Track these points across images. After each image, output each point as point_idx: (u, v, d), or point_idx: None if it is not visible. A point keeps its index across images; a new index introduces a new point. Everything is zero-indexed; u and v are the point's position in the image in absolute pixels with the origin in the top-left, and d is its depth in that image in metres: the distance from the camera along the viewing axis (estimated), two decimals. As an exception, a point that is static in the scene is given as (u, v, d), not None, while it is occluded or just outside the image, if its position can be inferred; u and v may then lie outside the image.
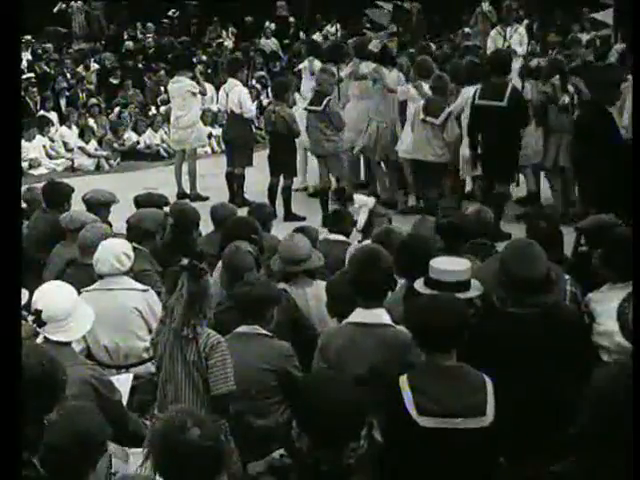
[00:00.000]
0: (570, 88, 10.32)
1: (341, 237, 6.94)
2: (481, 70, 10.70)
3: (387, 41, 12.56)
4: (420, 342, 4.00)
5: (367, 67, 11.70)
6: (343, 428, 3.13)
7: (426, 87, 10.76)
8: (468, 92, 10.24)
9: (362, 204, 6.98)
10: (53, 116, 16.00)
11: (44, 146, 15.08)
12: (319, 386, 3.31)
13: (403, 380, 3.83)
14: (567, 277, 5.14)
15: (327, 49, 13.14)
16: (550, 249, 4.90)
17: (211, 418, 3.75)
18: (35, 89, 16.75)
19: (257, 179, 11.90)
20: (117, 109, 16.91)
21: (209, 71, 18.77)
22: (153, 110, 17.16)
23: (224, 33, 23.43)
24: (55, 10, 23.17)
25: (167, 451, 3.02)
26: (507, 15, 13.65)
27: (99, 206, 7.47)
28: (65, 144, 15.30)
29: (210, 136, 15.40)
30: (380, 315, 4.50)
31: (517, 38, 13.08)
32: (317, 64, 12.48)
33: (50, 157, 15.12)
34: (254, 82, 17.84)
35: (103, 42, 22.51)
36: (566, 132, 10.14)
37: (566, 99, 10.27)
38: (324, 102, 10.71)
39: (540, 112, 10.39)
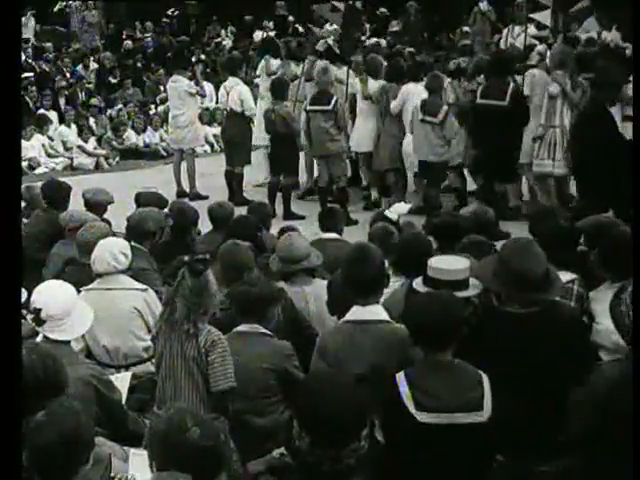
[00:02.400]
0: None
1: (334, 235, 6.93)
2: (425, 68, 11.27)
3: (335, 39, 12.85)
4: (417, 339, 4.01)
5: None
6: (344, 428, 3.13)
7: (374, 84, 11.16)
8: (408, 89, 10.86)
9: (398, 212, 7.06)
10: (52, 115, 16.01)
11: (43, 145, 15.08)
12: (321, 385, 3.31)
13: (400, 377, 3.85)
14: (574, 277, 5.14)
15: (283, 47, 13.30)
16: (562, 249, 4.96)
17: (211, 417, 3.76)
18: (34, 88, 16.76)
19: (257, 178, 11.91)
20: (118, 107, 16.91)
21: (208, 70, 18.79)
22: (153, 109, 17.15)
23: (223, 32, 23.43)
24: (55, 9, 23.17)
25: (167, 451, 3.02)
26: (517, 14, 13.55)
27: (98, 204, 7.48)
28: (64, 143, 15.30)
29: (213, 145, 15.45)
30: (377, 312, 4.49)
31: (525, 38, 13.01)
32: (274, 63, 12.57)
33: (49, 156, 15.12)
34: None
35: (102, 41, 22.51)
36: None
37: None
38: (333, 101, 10.73)
39: (464, 112, 10.58)
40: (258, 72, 13.27)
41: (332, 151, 10.85)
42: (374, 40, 14.65)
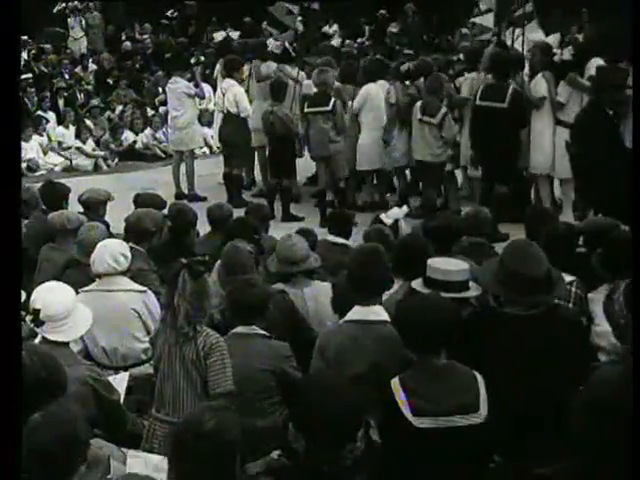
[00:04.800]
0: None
1: (340, 239, 6.94)
2: (385, 69, 11.47)
3: (290, 41, 13.13)
4: (409, 343, 4.01)
5: (268, 67, 12.22)
6: (339, 429, 3.13)
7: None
8: (369, 89, 11.04)
9: (395, 216, 7.09)
10: (51, 116, 16.00)
11: (40, 145, 15.06)
12: (316, 387, 3.31)
13: (396, 383, 3.85)
14: (573, 279, 5.15)
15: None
16: (560, 251, 4.96)
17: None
18: (33, 89, 16.76)
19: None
20: (120, 107, 16.91)
21: (207, 72, 18.76)
22: (151, 111, 17.12)
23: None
24: (55, 10, 23.15)
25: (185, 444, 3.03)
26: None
27: (96, 204, 7.48)
28: (60, 143, 15.27)
29: (212, 147, 15.45)
30: (378, 312, 4.51)
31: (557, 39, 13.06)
32: (264, 67, 12.65)
33: (45, 153, 15.07)
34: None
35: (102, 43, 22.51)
36: None
37: None
38: (331, 103, 10.72)
39: (405, 114, 10.74)
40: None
41: (331, 152, 10.84)
42: (331, 41, 14.85)
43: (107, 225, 7.03)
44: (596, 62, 9.81)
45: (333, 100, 10.77)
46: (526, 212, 6.66)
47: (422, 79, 10.81)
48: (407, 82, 10.98)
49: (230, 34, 18.34)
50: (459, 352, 4.00)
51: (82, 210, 7.54)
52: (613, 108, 8.73)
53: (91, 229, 6.22)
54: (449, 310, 4.03)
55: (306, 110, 10.97)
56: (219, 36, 19.33)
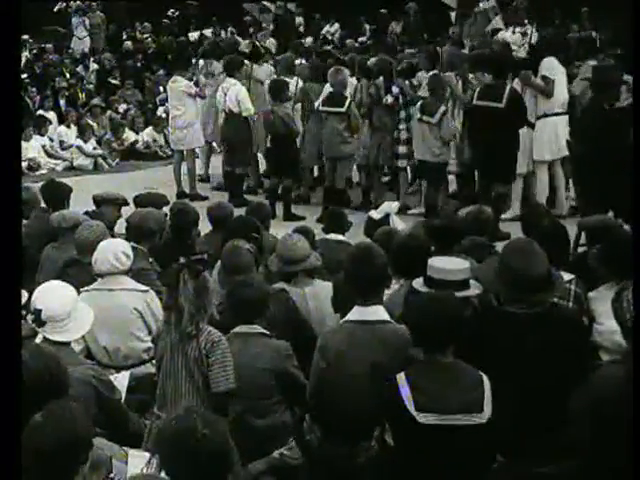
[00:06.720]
0: (394, 89, 10.86)
1: (340, 237, 6.97)
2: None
3: (264, 39, 13.39)
4: (417, 340, 4.02)
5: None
6: (356, 425, 3.13)
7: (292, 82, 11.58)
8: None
9: (387, 210, 7.08)
10: (52, 116, 16.00)
11: (43, 145, 15.06)
12: (338, 381, 3.31)
13: (401, 378, 3.85)
14: (572, 277, 5.14)
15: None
16: (557, 248, 4.95)
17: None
18: (34, 89, 16.76)
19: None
20: (124, 105, 16.90)
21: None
22: (159, 111, 17.11)
23: (223, 33, 23.39)
24: (55, 9, 23.17)
25: (177, 453, 3.02)
26: (512, 15, 13.70)
27: (108, 203, 7.52)
28: (61, 143, 15.27)
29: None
30: (378, 312, 4.51)
31: (519, 38, 13.11)
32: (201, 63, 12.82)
33: (50, 156, 15.08)
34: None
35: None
36: (388, 131, 10.90)
37: (389, 99, 10.81)
38: (346, 104, 10.69)
39: (367, 112, 10.95)
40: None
41: (343, 153, 10.82)
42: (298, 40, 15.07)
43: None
44: (549, 61, 10.06)
45: (348, 101, 10.74)
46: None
47: (382, 78, 10.92)
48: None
49: (204, 33, 18.36)
50: (461, 350, 4.00)
51: (83, 209, 7.56)
52: (612, 107, 8.73)
53: (87, 228, 6.21)
54: (456, 308, 4.04)
55: (320, 108, 10.96)
56: (194, 35, 19.37)
